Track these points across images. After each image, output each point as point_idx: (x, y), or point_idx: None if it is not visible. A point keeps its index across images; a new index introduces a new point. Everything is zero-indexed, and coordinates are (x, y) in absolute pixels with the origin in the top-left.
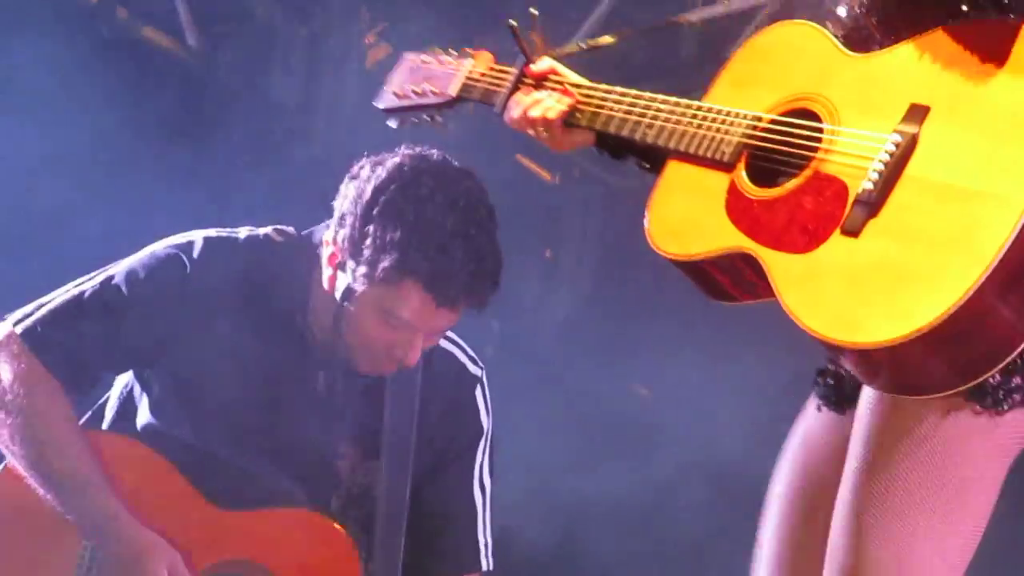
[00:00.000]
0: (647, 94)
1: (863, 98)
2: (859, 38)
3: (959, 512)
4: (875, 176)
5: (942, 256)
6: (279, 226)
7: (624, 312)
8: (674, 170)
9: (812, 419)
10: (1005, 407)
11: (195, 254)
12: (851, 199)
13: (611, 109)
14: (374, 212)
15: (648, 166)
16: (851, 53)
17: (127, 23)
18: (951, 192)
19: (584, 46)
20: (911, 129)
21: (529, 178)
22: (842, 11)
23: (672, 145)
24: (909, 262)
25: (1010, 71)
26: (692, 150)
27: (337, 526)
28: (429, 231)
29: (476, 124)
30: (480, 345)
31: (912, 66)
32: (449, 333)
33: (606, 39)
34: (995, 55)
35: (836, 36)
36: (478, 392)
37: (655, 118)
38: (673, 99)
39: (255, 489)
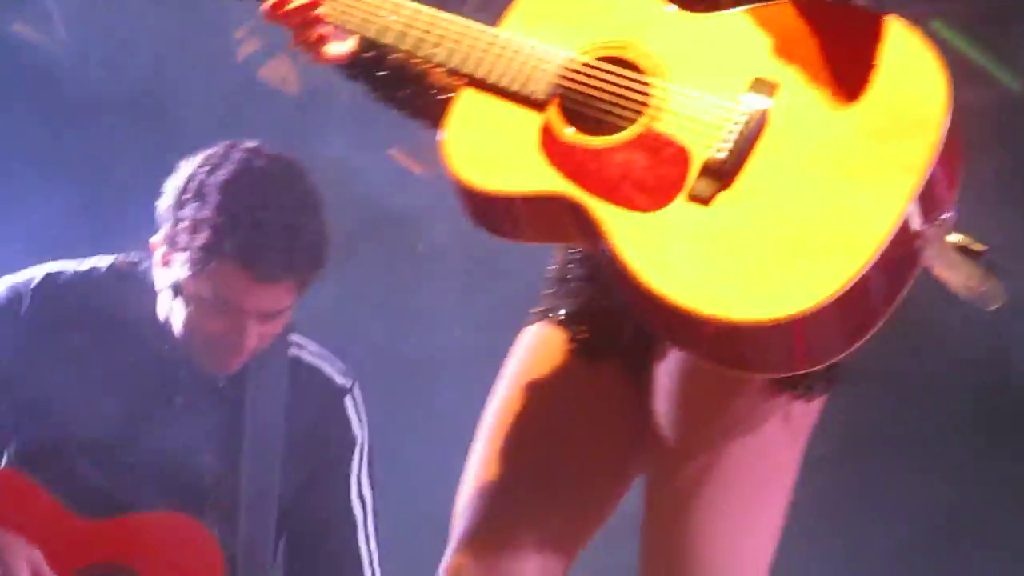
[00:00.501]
0: (428, 9)
1: (698, 60)
2: None
3: (775, 496)
4: (727, 145)
5: (815, 243)
6: (128, 253)
7: (498, 307)
8: (472, 99)
9: (549, 353)
10: (815, 393)
11: (32, 288)
12: (697, 165)
13: (384, 19)
14: (185, 197)
15: (378, 93)
16: (673, 7)
17: None
18: (820, 176)
19: None
20: (761, 102)
21: (401, 173)
22: None
23: (467, 70)
24: (776, 242)
25: (870, 64)
26: (493, 80)
27: (202, 526)
28: (239, 207)
29: (347, 117)
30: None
31: (754, 37)
32: (315, 348)
33: None
34: (850, 44)
35: None
36: (347, 403)
37: (442, 38)
38: (462, 20)
39: (123, 504)
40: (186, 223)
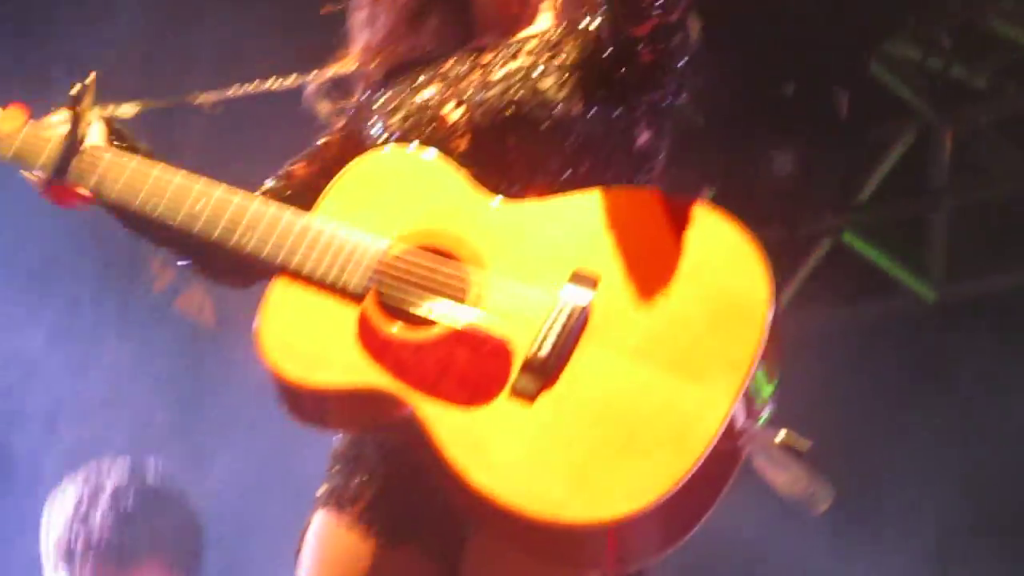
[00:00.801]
0: (239, 195)
1: (517, 251)
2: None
3: None
4: (549, 342)
5: (641, 443)
6: None
7: None
8: (287, 288)
9: (342, 542)
10: None
11: None
12: (518, 361)
13: (192, 206)
14: (49, 521)
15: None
16: (490, 196)
17: None
18: (645, 372)
19: (107, 114)
20: (582, 297)
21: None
22: (377, 130)
23: (279, 260)
24: (601, 441)
25: (692, 256)
26: (307, 271)
27: None
28: (92, 506)
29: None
30: None
31: (574, 227)
32: None
33: (126, 109)
34: (671, 235)
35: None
36: None
37: (253, 225)
38: (275, 206)
39: None
40: (52, 540)
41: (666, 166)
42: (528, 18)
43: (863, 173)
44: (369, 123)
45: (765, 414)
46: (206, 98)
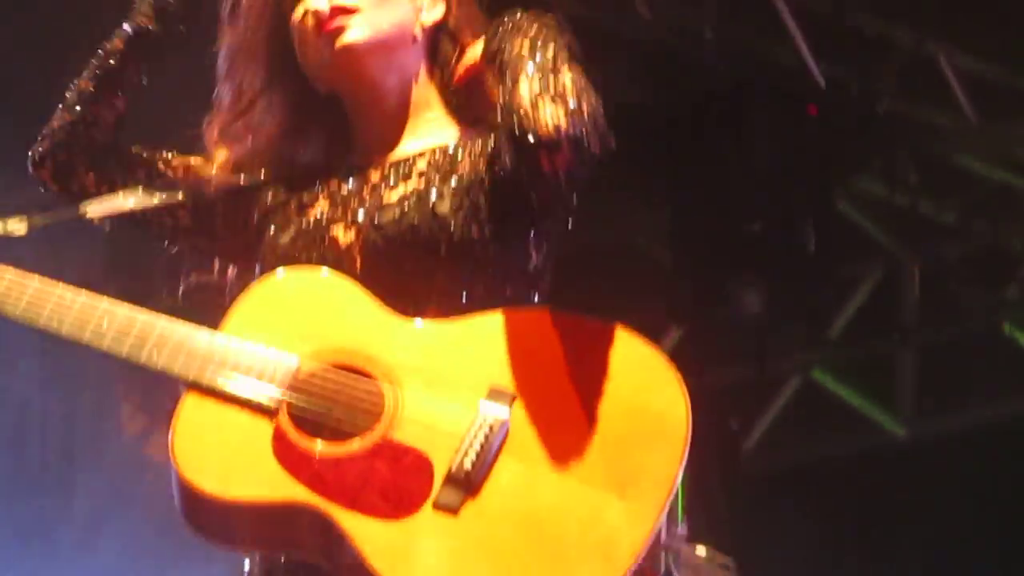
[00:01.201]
0: (145, 313)
1: (428, 368)
2: None
3: None
4: (472, 455)
5: (570, 556)
6: None
7: None
8: (199, 402)
9: None
10: None
11: None
12: (440, 474)
13: (99, 326)
14: None
15: None
16: (397, 315)
17: None
18: (569, 486)
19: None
20: (500, 411)
21: None
22: (268, 246)
23: (191, 378)
24: (530, 555)
25: (609, 374)
26: (219, 387)
27: None
28: None
29: None
30: None
31: (484, 344)
32: None
33: (15, 226)
34: (588, 354)
35: None
36: None
37: (161, 344)
38: (181, 323)
39: None
40: None
41: (635, 305)
42: (413, 134)
43: (832, 310)
44: (255, 219)
45: (680, 530)
46: (94, 210)
